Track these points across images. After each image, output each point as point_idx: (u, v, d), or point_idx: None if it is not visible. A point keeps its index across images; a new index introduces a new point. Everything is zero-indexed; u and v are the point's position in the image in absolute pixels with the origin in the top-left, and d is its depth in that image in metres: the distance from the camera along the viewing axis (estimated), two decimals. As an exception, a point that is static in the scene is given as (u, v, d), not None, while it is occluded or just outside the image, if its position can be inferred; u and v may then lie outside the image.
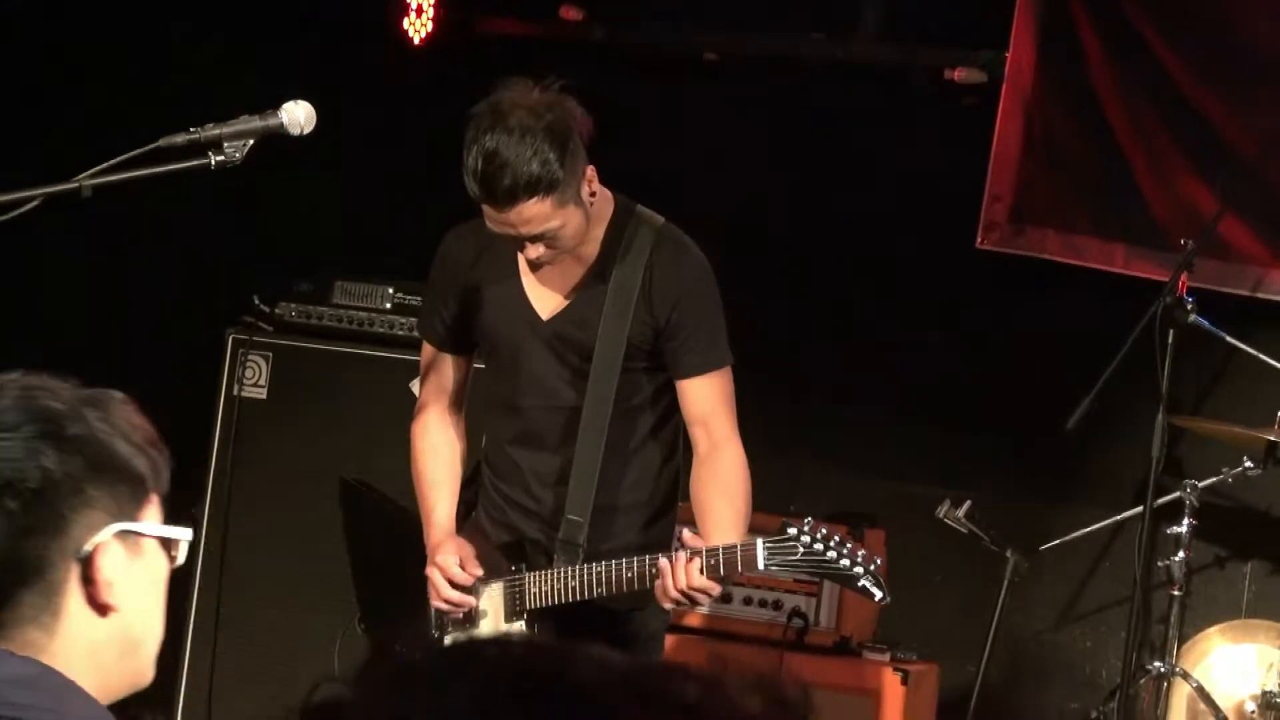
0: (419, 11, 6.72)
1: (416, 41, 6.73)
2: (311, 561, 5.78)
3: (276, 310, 6.04)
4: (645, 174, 4.39)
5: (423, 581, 4.26)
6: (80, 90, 6.48)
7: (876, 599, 4.08)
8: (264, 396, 5.94)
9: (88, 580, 2.07)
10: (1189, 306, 5.54)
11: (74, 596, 2.07)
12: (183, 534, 2.16)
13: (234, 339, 5.96)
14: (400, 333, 5.94)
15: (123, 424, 2.13)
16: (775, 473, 6.26)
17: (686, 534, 4.05)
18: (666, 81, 6.72)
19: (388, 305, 6.01)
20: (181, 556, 2.16)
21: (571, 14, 6.78)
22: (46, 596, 2.06)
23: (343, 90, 5.49)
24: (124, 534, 2.09)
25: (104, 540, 2.08)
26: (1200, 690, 5.63)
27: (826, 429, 6.55)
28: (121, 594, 2.09)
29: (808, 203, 6.65)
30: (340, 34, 6.73)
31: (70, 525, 2.06)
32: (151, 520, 2.13)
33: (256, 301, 6.04)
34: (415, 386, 5.67)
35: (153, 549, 2.13)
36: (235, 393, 5.92)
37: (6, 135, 4.86)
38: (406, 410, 4.65)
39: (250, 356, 5.94)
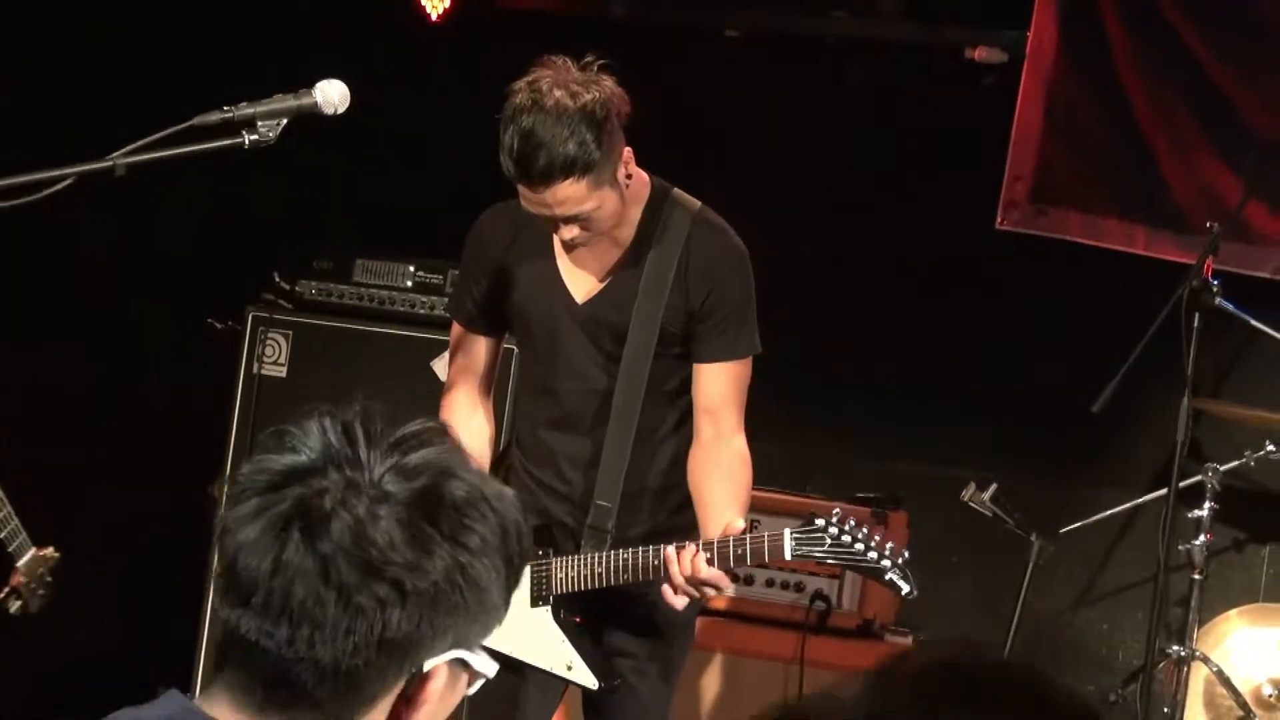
0: (437, -13, 6.68)
1: (434, 17, 6.68)
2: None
3: (297, 288, 6.00)
4: (661, 151, 4.32)
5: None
6: (97, 70, 6.43)
7: (903, 593, 4.01)
8: (284, 375, 5.91)
9: (407, 699, 1.78)
10: (1214, 289, 5.52)
11: (380, 710, 1.78)
12: (491, 670, 1.83)
13: (254, 317, 5.93)
14: (421, 311, 5.91)
15: (515, 542, 1.81)
16: (795, 453, 6.25)
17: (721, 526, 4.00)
18: (686, 58, 6.67)
19: (409, 283, 5.97)
20: (473, 689, 1.85)
21: (591, -12, 6.74)
22: (361, 698, 1.77)
23: (360, 66, 5.44)
24: (458, 661, 1.80)
25: (442, 663, 1.79)
26: (1220, 674, 5.62)
27: (847, 410, 6.53)
28: None
29: (827, 181, 6.61)
30: (356, 9, 6.67)
31: (429, 638, 1.76)
32: (480, 651, 1.82)
33: (277, 279, 6.01)
34: (436, 366, 5.63)
35: (463, 682, 1.83)
36: (255, 371, 5.89)
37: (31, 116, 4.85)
38: (427, 389, 4.59)
39: (270, 334, 5.91)
